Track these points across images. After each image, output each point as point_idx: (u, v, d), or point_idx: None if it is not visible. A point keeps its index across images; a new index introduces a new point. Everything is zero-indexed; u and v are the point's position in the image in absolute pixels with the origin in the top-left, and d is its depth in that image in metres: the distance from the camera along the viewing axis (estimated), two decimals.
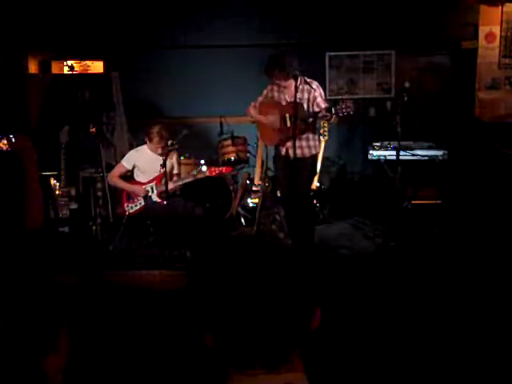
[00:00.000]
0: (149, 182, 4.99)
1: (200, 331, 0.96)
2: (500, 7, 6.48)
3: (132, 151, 5.20)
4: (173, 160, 5.13)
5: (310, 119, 4.65)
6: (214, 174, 4.91)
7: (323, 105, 4.60)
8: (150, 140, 4.94)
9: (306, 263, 0.98)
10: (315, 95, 4.64)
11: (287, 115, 4.64)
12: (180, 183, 4.96)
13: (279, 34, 6.62)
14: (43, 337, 1.28)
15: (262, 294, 0.92)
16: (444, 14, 6.55)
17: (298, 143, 4.54)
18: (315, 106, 4.62)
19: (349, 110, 4.40)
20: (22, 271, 3.97)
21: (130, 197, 5.00)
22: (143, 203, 4.96)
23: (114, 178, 5.06)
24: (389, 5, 6.56)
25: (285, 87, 4.70)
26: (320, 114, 4.54)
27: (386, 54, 6.92)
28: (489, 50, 6.62)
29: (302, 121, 4.52)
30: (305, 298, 0.96)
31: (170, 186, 4.75)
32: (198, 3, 6.61)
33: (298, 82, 4.49)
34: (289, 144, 4.60)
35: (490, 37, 6.59)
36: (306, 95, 4.64)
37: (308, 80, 4.65)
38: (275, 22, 6.63)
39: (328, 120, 4.63)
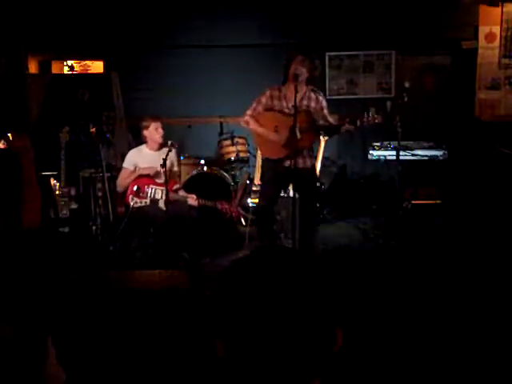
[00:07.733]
0: (158, 185, 4.93)
1: (211, 339, 0.91)
2: (500, 7, 6.48)
3: (131, 151, 5.08)
4: (172, 158, 5.03)
5: (322, 131, 4.42)
6: (224, 211, 5.13)
7: (330, 118, 4.39)
8: (144, 132, 4.95)
9: (328, 277, 0.92)
10: (322, 106, 4.39)
11: (298, 126, 4.11)
12: (190, 203, 4.96)
13: (279, 34, 6.62)
14: (38, 342, 1.26)
15: (282, 308, 0.86)
16: (444, 14, 6.55)
17: (303, 153, 4.32)
18: (320, 118, 4.36)
19: (376, 120, 4.08)
20: (19, 271, 3.97)
21: (139, 191, 4.87)
22: (148, 203, 4.84)
23: (123, 180, 4.95)
24: (389, 5, 6.56)
25: (286, 93, 4.34)
26: (343, 128, 4.28)
27: (386, 53, 6.93)
28: (489, 50, 6.63)
29: (315, 131, 4.26)
30: (326, 315, 0.90)
31: (181, 194, 4.99)
32: (198, 3, 6.61)
33: (305, 89, 4.33)
34: (294, 155, 4.20)
35: (489, 37, 6.59)
36: (313, 104, 4.37)
37: (316, 89, 4.42)
38: (275, 22, 6.63)
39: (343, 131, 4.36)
